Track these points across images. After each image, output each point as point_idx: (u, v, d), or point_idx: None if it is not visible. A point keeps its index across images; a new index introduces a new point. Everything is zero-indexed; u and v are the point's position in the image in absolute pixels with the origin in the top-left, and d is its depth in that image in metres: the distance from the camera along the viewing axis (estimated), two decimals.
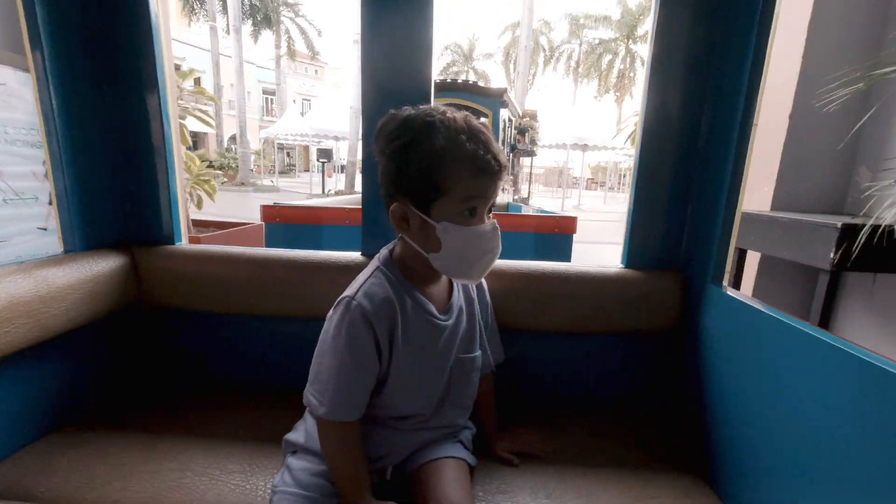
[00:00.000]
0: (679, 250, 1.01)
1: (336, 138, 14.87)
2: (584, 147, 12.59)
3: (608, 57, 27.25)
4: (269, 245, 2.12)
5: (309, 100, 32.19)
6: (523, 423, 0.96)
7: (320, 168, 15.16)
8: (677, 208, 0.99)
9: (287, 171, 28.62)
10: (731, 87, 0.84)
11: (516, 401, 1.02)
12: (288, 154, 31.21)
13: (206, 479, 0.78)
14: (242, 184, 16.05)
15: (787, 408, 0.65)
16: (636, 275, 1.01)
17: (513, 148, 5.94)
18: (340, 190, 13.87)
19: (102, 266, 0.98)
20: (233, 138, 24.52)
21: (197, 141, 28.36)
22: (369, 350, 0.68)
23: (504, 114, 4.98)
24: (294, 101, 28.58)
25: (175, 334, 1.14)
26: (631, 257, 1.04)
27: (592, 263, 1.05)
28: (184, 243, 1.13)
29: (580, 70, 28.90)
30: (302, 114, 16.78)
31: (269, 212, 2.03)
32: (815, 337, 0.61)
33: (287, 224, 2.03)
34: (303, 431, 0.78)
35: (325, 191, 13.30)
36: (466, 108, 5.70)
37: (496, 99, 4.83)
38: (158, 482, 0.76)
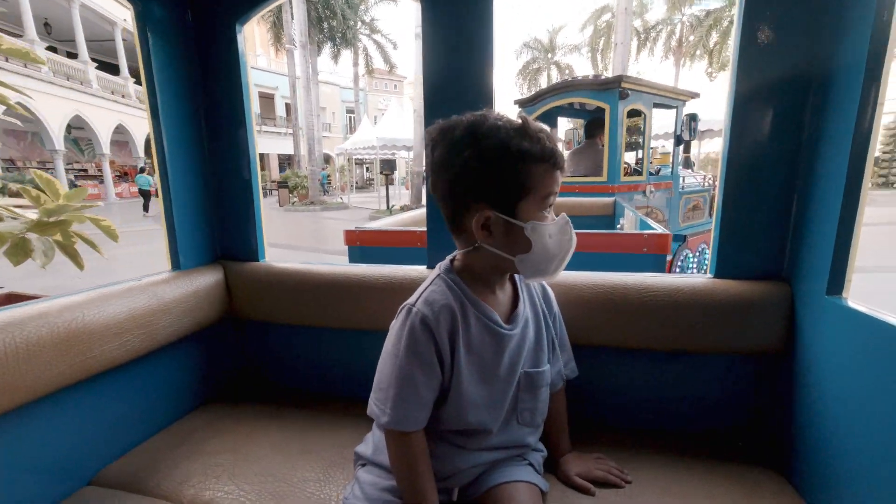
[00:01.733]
0: (783, 256, 0.88)
1: (406, 148, 13.40)
2: (702, 135, 9.54)
3: (719, 29, 22.55)
4: None
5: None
6: (595, 448, 0.89)
7: (398, 181, 13.76)
8: (778, 206, 0.86)
9: (366, 185, 28.39)
10: (845, 58, 0.72)
11: (586, 423, 0.96)
12: (367, 168, 31.28)
13: (285, 485, 0.83)
14: (312, 203, 15.41)
15: None
16: (730, 285, 0.89)
17: (679, 141, 4.50)
18: (406, 205, 12.32)
19: (202, 281, 1.10)
20: (325, 158, 24.55)
21: (261, 163, 29.60)
22: (430, 357, 0.68)
23: (624, 106, 3.97)
24: (375, 116, 28.47)
25: (262, 344, 1.23)
26: (722, 266, 0.92)
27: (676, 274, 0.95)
28: (266, 260, 1.22)
29: (683, 47, 24.43)
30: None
31: (350, 236, 2.07)
32: None
33: (367, 247, 2.04)
34: (371, 444, 0.81)
35: (390, 206, 11.86)
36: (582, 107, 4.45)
37: (612, 90, 3.92)
38: (243, 484, 0.83)
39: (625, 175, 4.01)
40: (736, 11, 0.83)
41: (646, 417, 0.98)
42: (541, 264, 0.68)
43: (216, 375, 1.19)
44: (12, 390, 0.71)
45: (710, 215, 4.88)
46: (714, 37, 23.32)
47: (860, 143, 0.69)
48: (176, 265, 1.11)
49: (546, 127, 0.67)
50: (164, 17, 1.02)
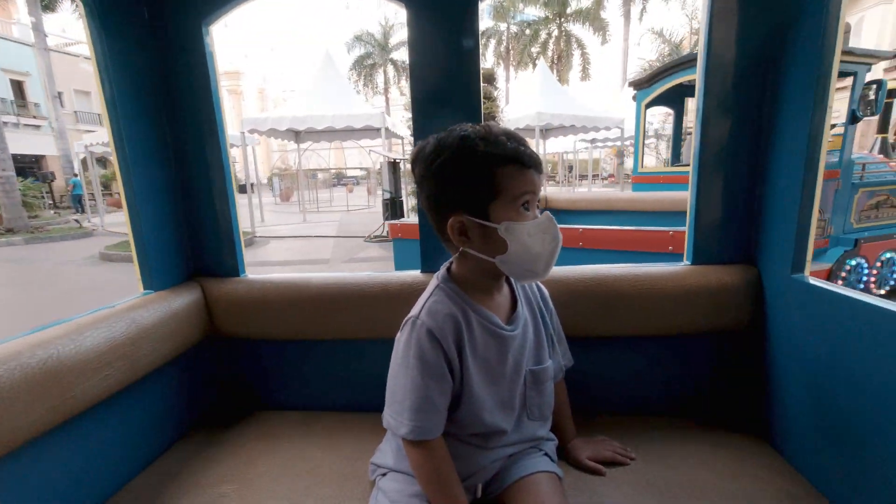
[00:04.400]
0: (750, 242, 1.01)
1: None
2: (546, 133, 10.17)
3: (539, 41, 22.97)
4: (397, 258, 2.72)
5: None
6: (594, 432, 0.98)
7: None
8: (744, 198, 0.98)
9: None
10: (795, 64, 0.84)
11: (583, 410, 1.02)
12: None
13: None
14: (11, 230, 10.02)
15: (881, 393, 0.67)
16: (705, 271, 1.01)
17: (853, 118, 3.33)
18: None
19: (180, 302, 1.05)
20: (83, 163, 17.17)
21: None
22: (439, 366, 0.73)
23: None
24: None
25: (249, 363, 1.19)
26: (698, 253, 1.04)
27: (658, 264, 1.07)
28: (248, 275, 1.19)
29: (511, 58, 24.48)
30: None
31: (394, 229, 2.64)
32: None
33: (409, 239, 2.39)
34: (390, 453, 0.83)
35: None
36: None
37: None
38: None
39: None
40: (702, 15, 0.93)
41: (636, 399, 1.08)
42: (524, 264, 0.71)
43: (199, 400, 1.14)
44: None
45: None
46: (535, 47, 23.86)
47: (815, 140, 0.80)
48: (149, 286, 1.05)
49: (512, 131, 0.71)
50: (119, 12, 0.95)
